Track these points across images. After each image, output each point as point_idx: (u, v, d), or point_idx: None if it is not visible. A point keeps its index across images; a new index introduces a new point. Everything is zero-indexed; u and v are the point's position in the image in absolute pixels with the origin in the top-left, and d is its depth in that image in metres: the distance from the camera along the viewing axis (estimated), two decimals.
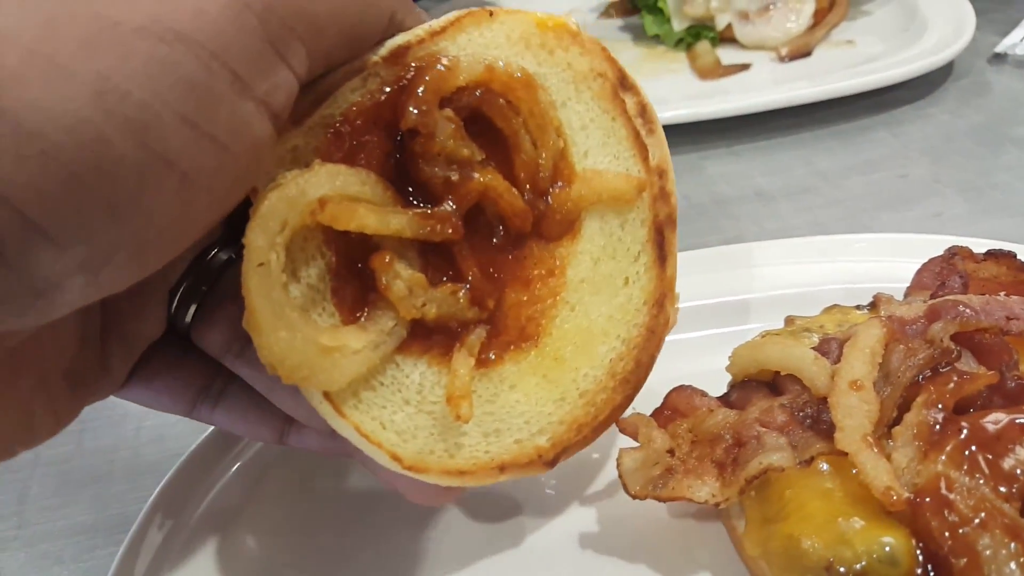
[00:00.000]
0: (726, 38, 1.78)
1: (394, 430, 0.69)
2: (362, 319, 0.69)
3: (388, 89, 0.69)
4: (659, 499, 0.74)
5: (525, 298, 0.76)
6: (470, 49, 0.72)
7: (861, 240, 1.07)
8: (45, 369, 0.63)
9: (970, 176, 1.40)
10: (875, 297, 0.88)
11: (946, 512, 0.63)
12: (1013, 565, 0.60)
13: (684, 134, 1.51)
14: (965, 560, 0.61)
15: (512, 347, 0.75)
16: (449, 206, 0.71)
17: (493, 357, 0.74)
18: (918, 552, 0.64)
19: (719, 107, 1.51)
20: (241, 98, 0.54)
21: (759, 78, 1.67)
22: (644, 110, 0.77)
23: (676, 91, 1.65)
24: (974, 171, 1.41)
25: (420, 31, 0.71)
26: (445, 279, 0.72)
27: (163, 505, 0.84)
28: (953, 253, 0.89)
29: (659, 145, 0.78)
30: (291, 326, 0.62)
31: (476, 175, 0.72)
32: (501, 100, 0.73)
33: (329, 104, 0.68)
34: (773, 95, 1.53)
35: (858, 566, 0.63)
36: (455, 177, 0.71)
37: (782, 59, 1.71)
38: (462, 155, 0.71)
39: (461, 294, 0.72)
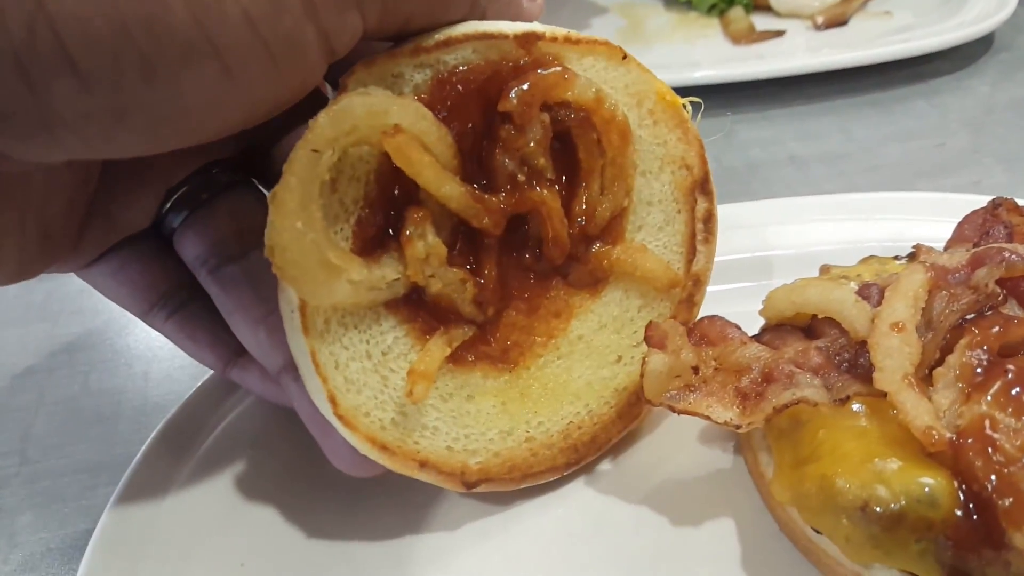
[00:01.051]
0: (760, 5, 1.74)
1: (344, 374, 0.67)
2: (371, 259, 0.67)
3: (507, 64, 0.68)
4: (674, 409, 0.71)
5: (523, 324, 0.76)
6: (591, 75, 0.72)
7: (899, 198, 1.04)
8: (26, 214, 0.61)
9: (1011, 147, 1.36)
10: (915, 247, 0.84)
11: (990, 451, 0.60)
12: None
13: (717, 97, 1.48)
14: (1011, 499, 0.58)
15: (489, 361, 0.74)
16: (502, 202, 0.71)
17: (470, 359, 0.73)
18: (959, 493, 0.61)
19: (753, 69, 1.48)
20: (307, 20, 0.53)
21: (793, 45, 1.64)
22: (710, 218, 0.80)
23: (709, 55, 1.62)
24: (1016, 142, 1.37)
25: (558, 31, 0.70)
26: (463, 267, 0.72)
27: (165, 444, 0.82)
28: (997, 204, 0.86)
29: (708, 256, 0.81)
30: (310, 222, 0.60)
31: (540, 188, 0.71)
32: (594, 135, 0.73)
33: (449, 51, 0.67)
34: (808, 59, 1.49)
35: (895, 506, 0.61)
36: (522, 178, 0.71)
37: (817, 27, 1.67)
38: (538, 163, 0.71)
39: (469, 286, 0.71)
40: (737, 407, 0.71)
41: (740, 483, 0.78)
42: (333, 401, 0.66)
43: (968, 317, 0.70)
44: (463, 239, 0.72)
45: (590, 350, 0.78)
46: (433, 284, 0.69)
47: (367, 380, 0.68)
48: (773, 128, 1.46)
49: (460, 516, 0.78)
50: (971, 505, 0.60)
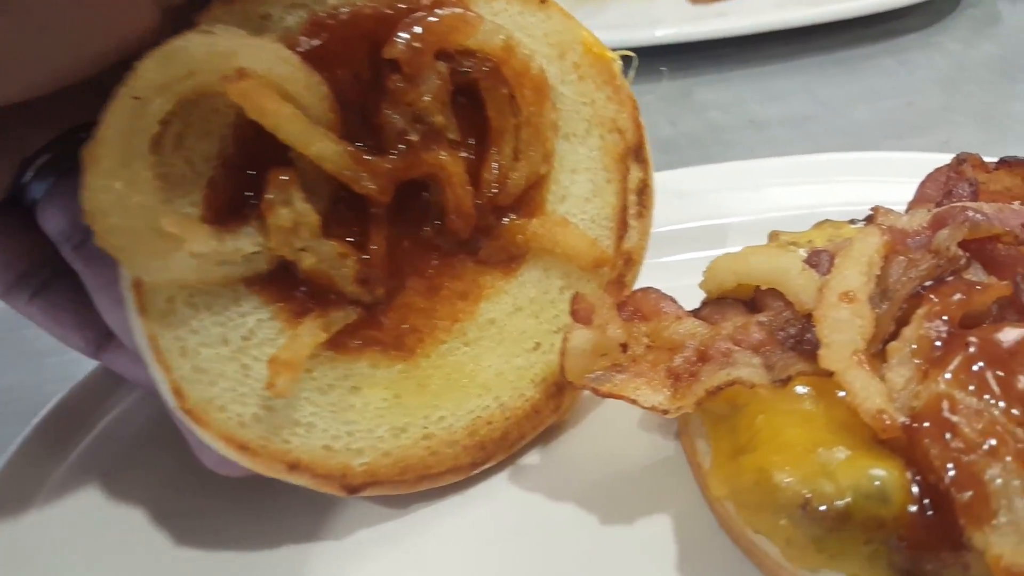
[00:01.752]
0: None
1: (193, 363, 0.59)
2: (227, 228, 0.58)
3: (401, 5, 0.59)
4: (597, 392, 0.63)
5: (422, 306, 0.66)
6: (502, 20, 0.63)
7: (858, 159, 0.96)
8: None
9: (983, 106, 1.29)
10: (873, 210, 0.76)
11: (949, 437, 0.52)
12: None
13: (674, 58, 1.40)
14: (970, 493, 0.50)
15: (380, 348, 0.65)
16: (390, 164, 0.61)
17: (354, 346, 0.64)
18: (913, 486, 0.53)
19: (710, 27, 1.39)
20: None
21: (755, 3, 1.54)
22: (644, 189, 0.71)
23: (668, 13, 1.52)
24: (988, 100, 1.30)
25: None
26: (343, 239, 0.62)
27: (36, 445, 0.73)
28: (961, 160, 0.78)
29: (642, 232, 0.72)
30: (133, 183, 0.52)
31: (438, 149, 0.62)
32: (504, 90, 0.64)
33: None
34: (770, 17, 1.41)
35: (841, 503, 0.53)
36: (414, 137, 0.62)
37: None
38: (434, 120, 0.62)
39: (350, 261, 0.61)
40: (668, 389, 0.63)
41: (681, 474, 0.70)
42: (178, 393, 0.58)
43: (927, 284, 0.62)
44: (346, 208, 0.63)
45: (503, 336, 0.69)
46: (305, 258, 0.60)
47: (223, 370, 0.60)
48: (734, 90, 1.38)
49: (355, 520, 0.69)
50: (927, 500, 0.52)
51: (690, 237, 0.91)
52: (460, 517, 0.69)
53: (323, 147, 0.58)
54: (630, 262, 0.73)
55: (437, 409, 0.67)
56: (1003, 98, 1.30)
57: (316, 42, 0.59)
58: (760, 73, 1.40)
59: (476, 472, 0.70)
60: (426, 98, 0.61)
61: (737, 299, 0.70)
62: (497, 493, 0.71)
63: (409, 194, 0.65)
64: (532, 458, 0.74)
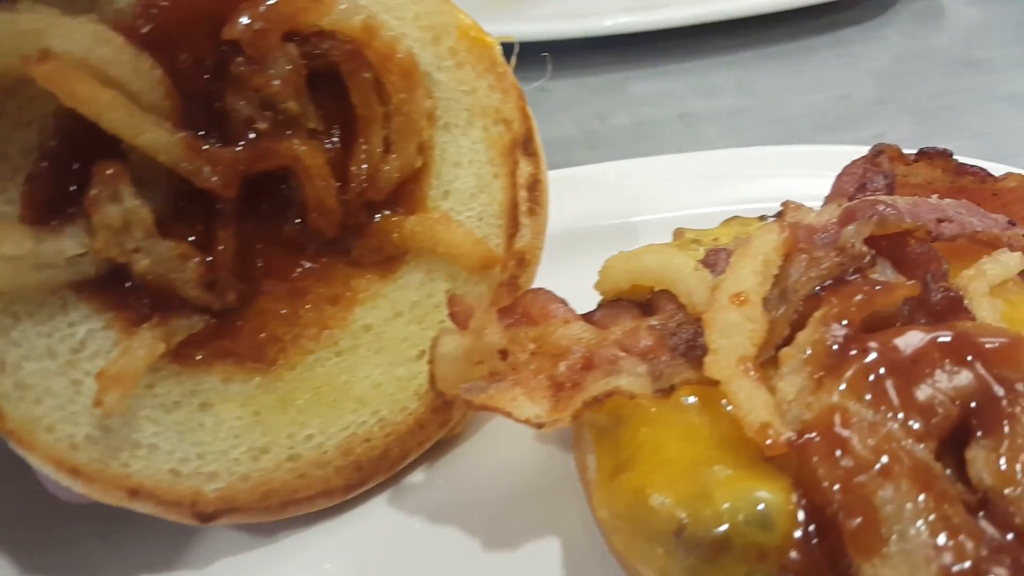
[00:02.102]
0: None
1: (14, 379, 0.54)
2: (49, 228, 0.53)
3: None
4: (471, 405, 0.57)
5: (284, 313, 0.61)
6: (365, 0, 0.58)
7: (774, 153, 0.91)
8: None
9: (920, 98, 1.25)
10: (783, 205, 0.71)
11: (839, 454, 0.46)
12: (921, 524, 0.44)
13: (608, 51, 1.35)
14: (859, 520, 0.45)
15: (234, 360, 0.59)
16: (234, 155, 0.56)
17: (199, 358, 0.58)
18: (800, 511, 0.47)
19: (642, 19, 1.33)
20: None
21: None
22: (536, 185, 0.66)
23: (607, 4, 1.46)
24: (925, 93, 1.26)
25: None
26: (185, 239, 0.57)
27: None
28: (878, 152, 0.73)
29: (536, 231, 0.67)
30: None
31: (292, 139, 0.57)
32: (368, 75, 0.58)
33: None
34: (704, 7, 1.35)
35: (719, 531, 0.47)
36: (262, 125, 0.57)
37: None
38: (287, 107, 0.57)
39: (192, 263, 0.56)
40: (549, 400, 0.57)
41: (576, 493, 0.65)
42: None
43: (828, 284, 0.57)
44: (189, 205, 0.57)
45: (381, 344, 0.64)
46: (138, 261, 0.54)
47: (50, 386, 0.54)
48: (668, 83, 1.32)
49: (213, 550, 0.62)
50: (813, 526, 0.47)
51: (601, 235, 0.85)
52: (329, 544, 0.63)
53: (154, 136, 0.53)
54: (523, 262, 0.67)
55: (304, 427, 0.61)
56: (941, 92, 1.25)
57: (150, 24, 0.53)
58: (697, 67, 1.35)
59: (352, 496, 0.64)
60: (275, 83, 0.56)
61: (633, 301, 0.65)
62: (373, 516, 0.65)
63: (267, 191, 0.60)
64: (416, 476, 0.68)
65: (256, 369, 0.60)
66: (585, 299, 0.65)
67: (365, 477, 0.63)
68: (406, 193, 0.63)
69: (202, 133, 0.56)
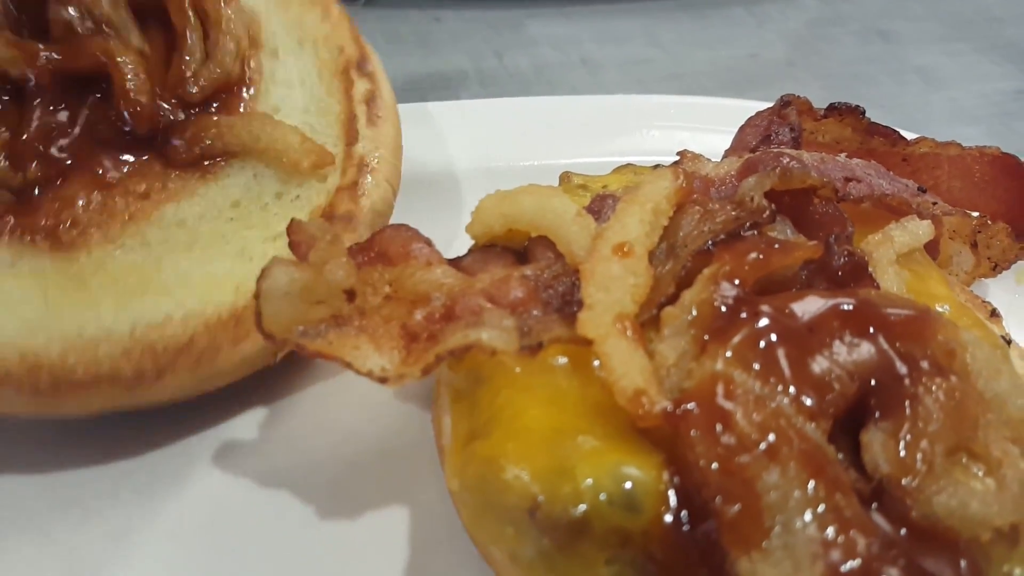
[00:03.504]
0: None
1: None
2: None
3: None
4: (304, 351, 0.49)
5: (89, 200, 0.60)
6: None
7: (675, 103, 0.84)
8: None
9: (831, 65, 1.21)
10: (680, 155, 0.65)
11: (719, 430, 0.40)
12: (809, 516, 0.38)
13: None
14: (738, 507, 0.39)
15: (29, 238, 0.58)
16: (51, 50, 0.59)
17: None
18: (671, 492, 0.41)
19: None
20: None
21: None
22: (373, 99, 0.70)
23: None
24: (836, 60, 1.22)
25: None
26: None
27: None
28: (786, 103, 0.67)
29: (378, 140, 0.69)
30: None
31: (107, 41, 0.60)
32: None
33: None
34: None
35: (577, 511, 0.40)
36: (79, 28, 0.60)
37: None
38: (108, 17, 0.60)
39: None
40: (401, 351, 0.50)
41: (432, 459, 0.58)
42: None
43: (721, 239, 0.50)
44: (6, 95, 0.59)
45: (194, 239, 0.61)
46: None
47: None
48: (570, 26, 1.25)
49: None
50: (685, 511, 0.41)
51: (483, 177, 0.77)
52: (138, 507, 0.54)
53: None
54: (365, 167, 0.67)
55: (94, 308, 0.57)
56: (853, 60, 1.21)
57: None
58: (601, 11, 1.28)
59: (144, 387, 0.57)
60: None
61: (508, 248, 0.57)
62: (192, 477, 0.57)
63: (88, 91, 0.61)
64: (246, 432, 0.59)
65: (50, 249, 0.57)
66: (460, 247, 0.58)
67: (162, 367, 0.56)
68: (232, 108, 0.64)
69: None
